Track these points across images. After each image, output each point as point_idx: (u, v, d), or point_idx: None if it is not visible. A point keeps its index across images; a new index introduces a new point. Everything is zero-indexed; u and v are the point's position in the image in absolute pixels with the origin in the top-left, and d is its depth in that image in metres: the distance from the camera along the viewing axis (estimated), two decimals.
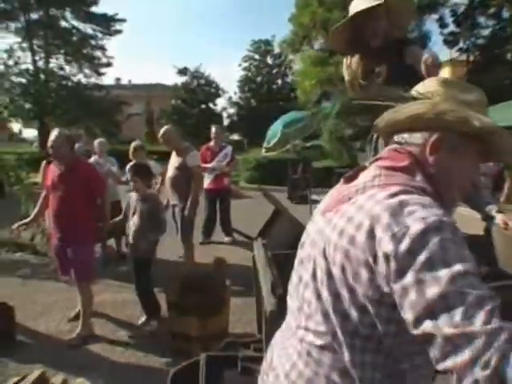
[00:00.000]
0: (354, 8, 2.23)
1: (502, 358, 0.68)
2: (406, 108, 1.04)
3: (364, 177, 1.02)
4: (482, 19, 20.18)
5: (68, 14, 28.56)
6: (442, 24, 20.88)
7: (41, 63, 28.05)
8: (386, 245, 0.82)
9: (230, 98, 37.92)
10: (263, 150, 11.62)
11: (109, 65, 30.61)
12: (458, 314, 0.72)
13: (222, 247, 6.57)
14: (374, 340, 0.91)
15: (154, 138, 19.91)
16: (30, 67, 27.41)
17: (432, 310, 0.75)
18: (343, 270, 0.90)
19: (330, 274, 0.94)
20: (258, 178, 14.44)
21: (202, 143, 7.18)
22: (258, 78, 37.38)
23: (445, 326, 0.73)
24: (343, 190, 1.04)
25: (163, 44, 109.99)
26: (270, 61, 37.32)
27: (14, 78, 26.84)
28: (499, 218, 2.67)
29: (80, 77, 29.37)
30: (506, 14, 19.08)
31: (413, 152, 1.02)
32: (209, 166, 6.61)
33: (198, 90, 35.15)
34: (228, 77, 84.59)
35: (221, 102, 37.28)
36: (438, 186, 1.00)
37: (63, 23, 28.57)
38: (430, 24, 38.39)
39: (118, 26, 30.04)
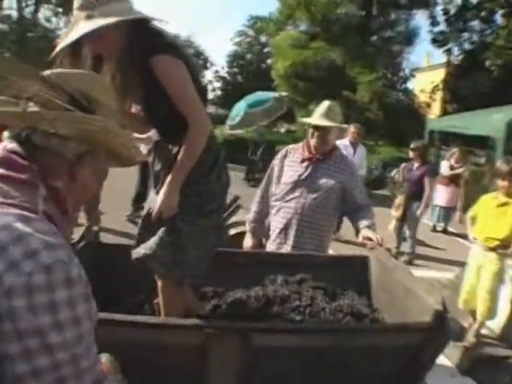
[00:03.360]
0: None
1: None
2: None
3: None
4: (475, 22, 19.42)
5: None
6: (434, 22, 20.10)
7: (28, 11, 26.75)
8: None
9: (217, 71, 36.62)
10: (227, 127, 11.45)
11: None
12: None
13: None
14: None
15: None
16: (15, 14, 26.23)
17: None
18: None
19: None
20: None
21: None
22: (248, 55, 36.21)
23: None
24: None
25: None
26: (264, 39, 35.65)
27: None
28: (361, 235, 2.33)
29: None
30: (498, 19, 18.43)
31: (41, 160, 0.84)
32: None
33: None
34: (220, 50, 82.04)
35: (208, 75, 36.14)
36: (64, 204, 0.87)
37: None
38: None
39: None
